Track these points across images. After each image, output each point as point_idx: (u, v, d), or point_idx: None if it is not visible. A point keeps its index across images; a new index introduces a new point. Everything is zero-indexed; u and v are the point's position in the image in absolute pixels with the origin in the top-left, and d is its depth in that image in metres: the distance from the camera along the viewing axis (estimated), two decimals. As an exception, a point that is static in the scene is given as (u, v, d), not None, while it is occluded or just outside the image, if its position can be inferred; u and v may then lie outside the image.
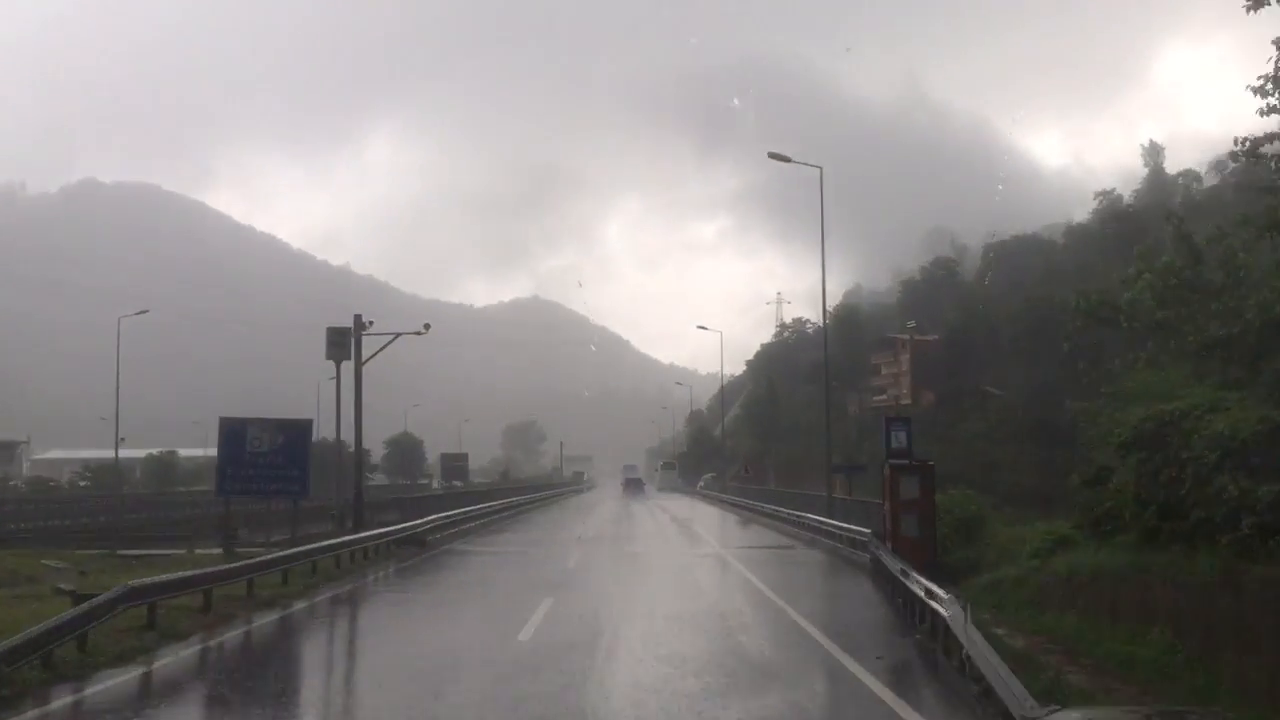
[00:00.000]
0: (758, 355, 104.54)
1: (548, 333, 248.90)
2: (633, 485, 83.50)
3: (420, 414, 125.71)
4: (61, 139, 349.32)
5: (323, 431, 35.69)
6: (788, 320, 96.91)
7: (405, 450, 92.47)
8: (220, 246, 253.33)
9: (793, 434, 59.54)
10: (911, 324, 55.14)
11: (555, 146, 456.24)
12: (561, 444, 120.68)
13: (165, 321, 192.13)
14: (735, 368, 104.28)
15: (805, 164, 27.35)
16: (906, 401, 57.23)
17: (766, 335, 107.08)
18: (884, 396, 61.85)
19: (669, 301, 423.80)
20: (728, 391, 78.98)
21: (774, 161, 28.23)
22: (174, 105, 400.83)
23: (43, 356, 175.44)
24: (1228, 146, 12.92)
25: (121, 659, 9.86)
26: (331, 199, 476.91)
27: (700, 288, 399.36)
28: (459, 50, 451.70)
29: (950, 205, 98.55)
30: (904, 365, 59.38)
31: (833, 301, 70.02)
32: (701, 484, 70.64)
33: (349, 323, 27.18)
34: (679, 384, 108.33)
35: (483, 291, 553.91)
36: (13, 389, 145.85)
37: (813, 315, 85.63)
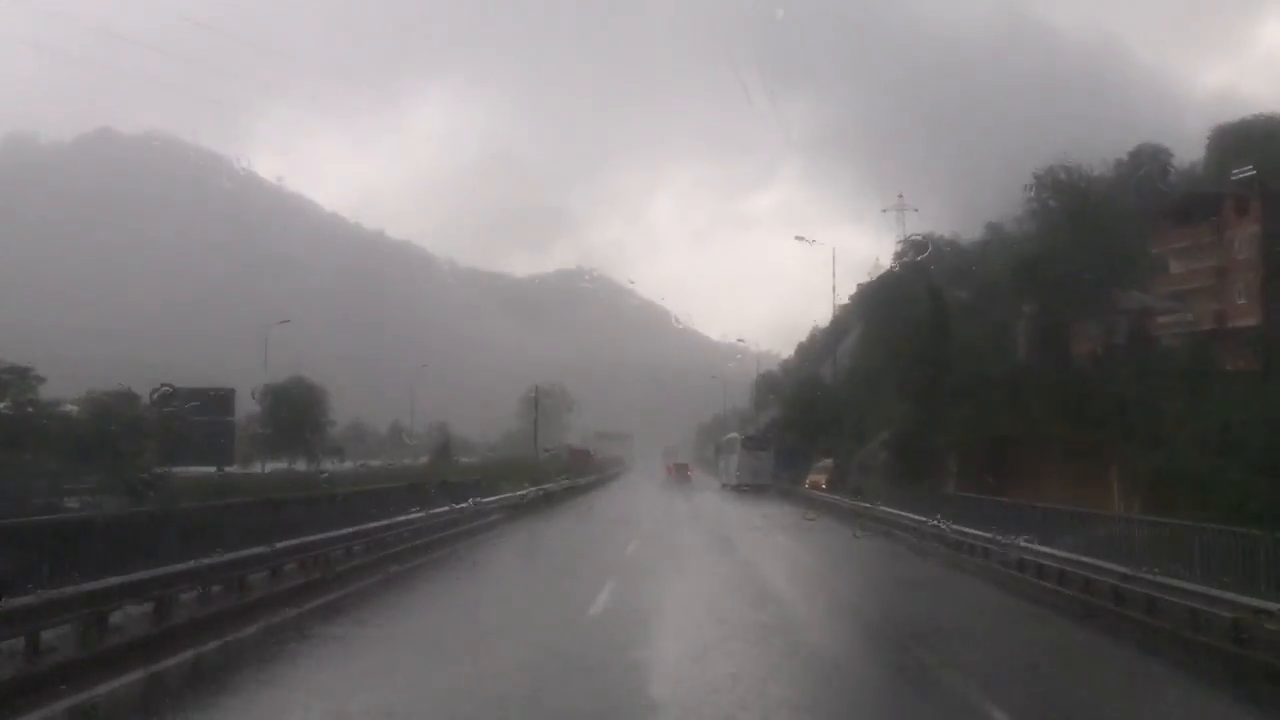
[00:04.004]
0: (860, 290, 71.75)
1: (591, 305, 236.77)
2: (678, 472, 73.42)
3: (449, 385, 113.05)
4: (78, 86, 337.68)
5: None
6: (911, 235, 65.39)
7: (301, 407, 51.61)
8: (244, 204, 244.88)
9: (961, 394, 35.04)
10: (1247, 170, 30.46)
11: (606, 112, 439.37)
12: (537, 409, 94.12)
13: (176, 281, 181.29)
14: (787, 348, 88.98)
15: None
16: (1251, 321, 31.63)
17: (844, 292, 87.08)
18: (1181, 315, 35.77)
19: (720, 275, 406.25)
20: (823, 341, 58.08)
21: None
22: (200, 55, 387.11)
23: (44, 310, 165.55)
24: None
25: None
26: (369, 163, 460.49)
27: (756, 259, 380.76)
28: (508, 12, 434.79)
29: (1068, 138, 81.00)
30: (1240, 244, 33.80)
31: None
32: (820, 476, 44.60)
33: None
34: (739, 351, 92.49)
35: (524, 261, 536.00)
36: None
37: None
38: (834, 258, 60.74)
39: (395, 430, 71.46)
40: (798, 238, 49.44)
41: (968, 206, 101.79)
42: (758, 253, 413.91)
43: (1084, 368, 33.54)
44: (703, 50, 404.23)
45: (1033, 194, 39.07)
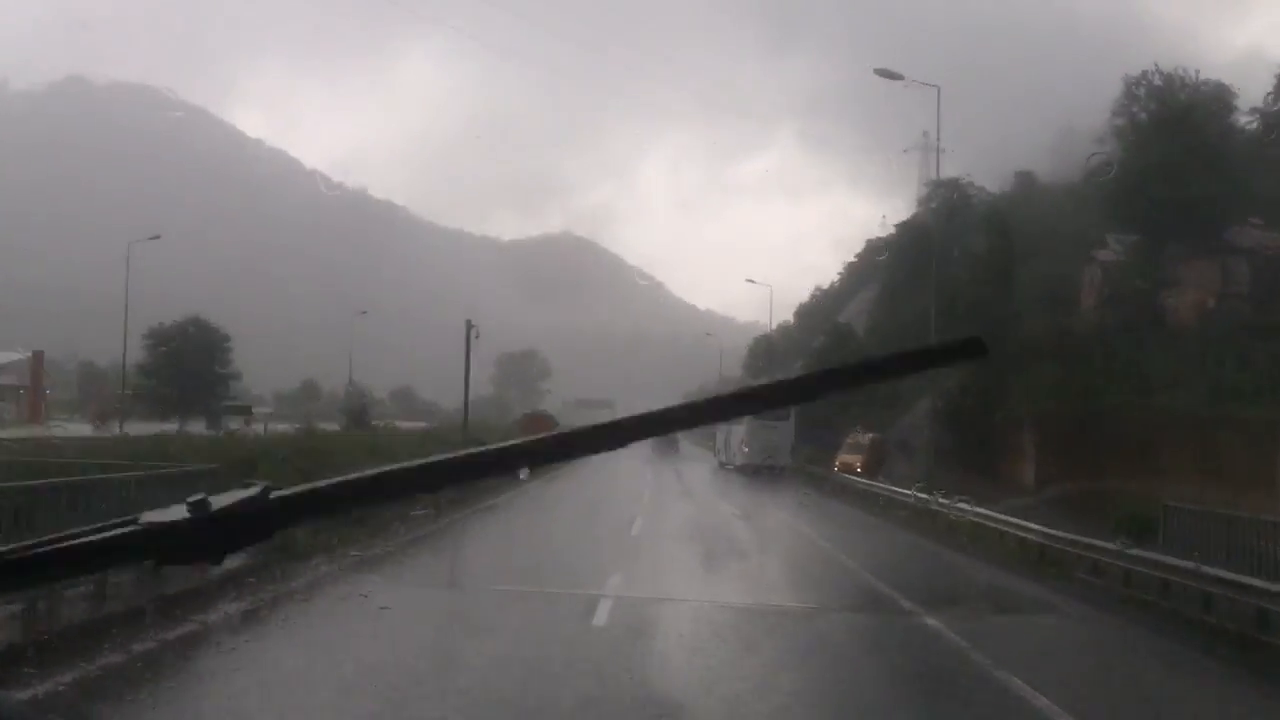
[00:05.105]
0: (868, 247, 70.55)
1: (577, 271, 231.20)
2: (664, 446, 63.30)
3: (429, 350, 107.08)
4: (51, 33, 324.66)
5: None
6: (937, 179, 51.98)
7: (195, 356, 42.74)
8: (222, 159, 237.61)
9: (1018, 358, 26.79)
10: None
11: (597, 75, 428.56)
12: (468, 360, 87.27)
13: (149, 236, 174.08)
14: (782, 314, 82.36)
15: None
16: None
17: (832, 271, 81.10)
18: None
19: (708, 244, 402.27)
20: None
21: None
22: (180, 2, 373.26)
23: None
24: None
25: None
26: (353, 120, 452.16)
27: (746, 227, 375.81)
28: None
29: (1083, 101, 72.49)
30: None
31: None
32: (853, 456, 35.49)
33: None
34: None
35: (510, 224, 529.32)
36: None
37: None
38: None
39: (353, 390, 64.73)
40: (879, 71, 33.30)
41: (983, 162, 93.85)
42: (748, 220, 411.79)
43: (1189, 322, 26.17)
44: (698, 9, 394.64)
45: (1124, 104, 31.65)
